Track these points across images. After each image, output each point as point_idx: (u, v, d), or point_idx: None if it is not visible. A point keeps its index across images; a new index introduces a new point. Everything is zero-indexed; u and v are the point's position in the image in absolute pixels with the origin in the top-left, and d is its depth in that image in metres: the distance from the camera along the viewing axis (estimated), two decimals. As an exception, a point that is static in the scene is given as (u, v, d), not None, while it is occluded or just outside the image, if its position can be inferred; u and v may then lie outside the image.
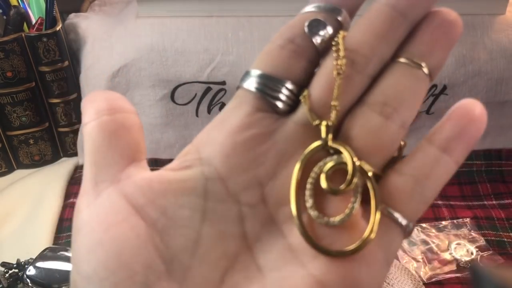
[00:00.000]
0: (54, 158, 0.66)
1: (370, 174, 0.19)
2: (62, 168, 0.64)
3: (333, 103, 0.19)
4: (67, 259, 0.46)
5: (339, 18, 0.21)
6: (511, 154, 0.63)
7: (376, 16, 0.20)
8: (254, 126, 0.20)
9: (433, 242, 0.54)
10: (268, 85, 0.20)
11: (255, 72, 0.20)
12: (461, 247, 0.53)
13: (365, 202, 0.19)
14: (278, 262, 0.19)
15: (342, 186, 0.19)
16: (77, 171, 0.64)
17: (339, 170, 0.19)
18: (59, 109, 0.63)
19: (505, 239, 0.55)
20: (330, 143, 0.19)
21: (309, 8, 0.21)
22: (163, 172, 0.20)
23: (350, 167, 0.19)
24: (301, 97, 0.20)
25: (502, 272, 0.18)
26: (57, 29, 0.59)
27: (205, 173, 0.19)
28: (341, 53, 0.20)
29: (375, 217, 0.19)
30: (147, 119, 0.63)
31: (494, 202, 0.60)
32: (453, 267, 0.52)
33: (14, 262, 0.48)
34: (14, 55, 0.57)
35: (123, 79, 0.61)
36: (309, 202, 0.19)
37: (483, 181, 0.62)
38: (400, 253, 0.53)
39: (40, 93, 0.62)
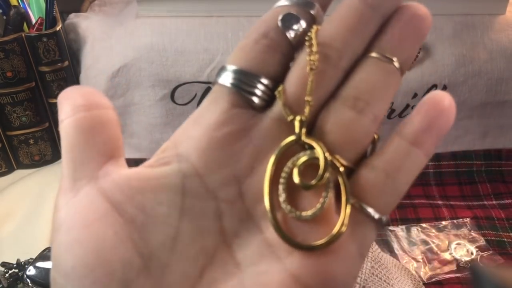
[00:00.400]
0: (54, 158, 0.66)
1: (341, 169, 0.19)
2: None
3: (306, 98, 0.20)
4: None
5: (312, 12, 0.21)
6: (511, 154, 0.63)
7: (348, 10, 0.20)
8: (231, 123, 0.20)
9: (433, 242, 0.54)
10: (243, 80, 0.20)
11: (230, 67, 0.20)
12: (461, 247, 0.53)
13: (339, 196, 0.20)
14: (256, 257, 0.19)
15: (314, 181, 0.19)
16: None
17: (312, 165, 0.19)
18: (59, 109, 0.63)
19: (505, 239, 0.55)
20: (303, 138, 0.20)
21: (283, 2, 0.21)
22: (141, 169, 0.20)
23: (321, 162, 0.19)
24: (276, 92, 0.20)
25: (502, 272, 0.18)
26: (57, 29, 0.59)
27: (183, 170, 0.19)
28: (314, 48, 0.20)
29: (346, 211, 0.19)
30: (147, 119, 0.63)
31: (494, 202, 0.60)
32: (453, 267, 0.52)
33: (14, 262, 0.48)
34: (14, 55, 0.57)
35: (123, 79, 0.61)
36: (282, 197, 0.19)
37: (483, 181, 0.62)
38: (400, 253, 0.53)
39: (40, 93, 0.62)
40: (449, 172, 0.63)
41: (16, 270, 0.48)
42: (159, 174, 0.19)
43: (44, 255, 0.46)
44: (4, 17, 0.60)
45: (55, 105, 0.63)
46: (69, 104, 0.20)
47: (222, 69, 0.21)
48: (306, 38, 0.20)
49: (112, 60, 0.61)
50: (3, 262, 0.48)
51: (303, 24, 0.20)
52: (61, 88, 0.61)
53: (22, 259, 0.48)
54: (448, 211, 0.58)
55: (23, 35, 0.58)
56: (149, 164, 0.20)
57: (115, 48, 0.61)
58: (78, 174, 0.20)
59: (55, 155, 0.66)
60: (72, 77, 0.63)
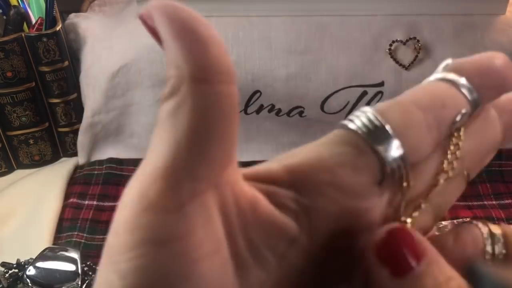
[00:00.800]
0: (54, 158, 0.66)
1: None
2: (62, 168, 0.64)
3: (423, 205, 0.19)
4: (67, 259, 0.46)
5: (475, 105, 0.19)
6: (511, 154, 0.63)
7: (490, 134, 0.20)
8: (368, 201, 0.17)
9: (433, 242, 0.54)
10: (400, 162, 0.17)
11: (390, 132, 0.17)
12: (461, 247, 0.53)
13: None
14: None
15: None
16: (77, 171, 0.64)
17: None
18: (59, 109, 0.63)
19: (505, 239, 0.55)
20: None
21: (454, 78, 0.19)
22: (262, 199, 0.16)
23: None
24: (405, 185, 0.18)
25: (502, 272, 0.18)
26: (57, 29, 0.59)
27: (304, 228, 0.17)
28: (455, 165, 0.19)
29: None
30: (147, 119, 0.63)
31: (494, 202, 0.60)
32: (453, 267, 0.52)
33: (14, 262, 0.48)
34: (14, 55, 0.57)
35: (123, 79, 0.61)
36: None
37: (483, 181, 0.62)
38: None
39: (40, 93, 0.62)
40: (449, 172, 0.63)
41: (16, 270, 0.48)
42: (279, 220, 0.16)
43: (44, 255, 0.46)
44: (4, 17, 0.60)
45: (55, 105, 0.63)
46: (188, 53, 0.14)
47: (376, 123, 0.17)
48: (454, 143, 0.19)
49: (112, 60, 0.61)
50: (3, 262, 0.48)
51: (462, 119, 0.19)
52: (61, 88, 0.61)
53: (22, 259, 0.48)
54: (448, 211, 0.58)
55: (23, 35, 0.58)
56: (264, 191, 0.16)
57: (115, 48, 0.61)
58: (201, 169, 0.14)
59: (55, 155, 0.66)
60: (72, 77, 0.63)
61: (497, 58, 0.19)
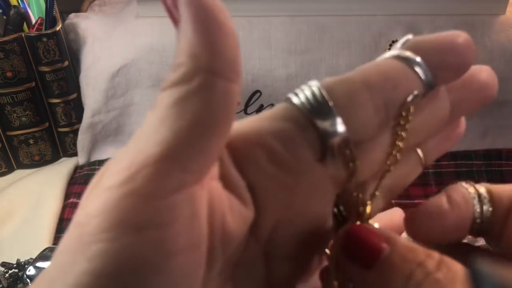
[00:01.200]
0: (54, 158, 0.66)
1: None
2: (62, 168, 0.64)
3: (377, 192, 0.19)
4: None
5: (429, 84, 0.18)
6: (511, 154, 0.63)
7: (438, 111, 0.19)
8: (310, 178, 0.17)
9: (433, 242, 0.54)
10: (343, 144, 0.17)
11: (331, 105, 0.17)
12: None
13: None
14: None
15: None
16: (77, 171, 0.64)
17: None
18: (59, 109, 0.63)
19: (505, 239, 0.55)
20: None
21: (409, 56, 0.18)
22: (231, 199, 0.16)
23: None
24: (351, 165, 0.18)
25: (503, 272, 0.18)
26: (57, 29, 0.59)
27: (259, 215, 0.17)
28: (401, 144, 0.18)
29: None
30: (147, 119, 0.63)
31: (494, 202, 0.60)
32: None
33: (14, 262, 0.48)
34: (14, 55, 0.57)
35: (123, 79, 0.61)
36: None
37: (483, 181, 0.62)
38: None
39: (40, 93, 0.62)
40: (449, 172, 0.63)
41: (16, 270, 0.48)
42: (247, 216, 0.16)
43: (44, 255, 0.46)
44: (4, 17, 0.60)
45: (55, 105, 0.63)
46: (212, 42, 0.14)
47: (319, 99, 0.17)
48: (402, 125, 0.18)
49: (112, 60, 0.61)
50: (3, 262, 0.48)
51: (413, 100, 0.18)
52: (61, 88, 0.61)
53: (22, 259, 0.48)
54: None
55: (23, 35, 0.58)
56: (231, 186, 0.16)
57: (115, 48, 0.61)
58: (192, 160, 0.14)
59: (55, 155, 0.66)
60: (72, 77, 0.62)
61: (459, 37, 0.18)
